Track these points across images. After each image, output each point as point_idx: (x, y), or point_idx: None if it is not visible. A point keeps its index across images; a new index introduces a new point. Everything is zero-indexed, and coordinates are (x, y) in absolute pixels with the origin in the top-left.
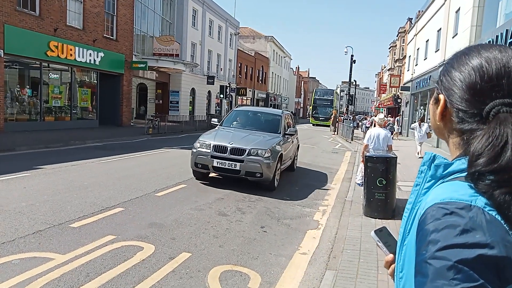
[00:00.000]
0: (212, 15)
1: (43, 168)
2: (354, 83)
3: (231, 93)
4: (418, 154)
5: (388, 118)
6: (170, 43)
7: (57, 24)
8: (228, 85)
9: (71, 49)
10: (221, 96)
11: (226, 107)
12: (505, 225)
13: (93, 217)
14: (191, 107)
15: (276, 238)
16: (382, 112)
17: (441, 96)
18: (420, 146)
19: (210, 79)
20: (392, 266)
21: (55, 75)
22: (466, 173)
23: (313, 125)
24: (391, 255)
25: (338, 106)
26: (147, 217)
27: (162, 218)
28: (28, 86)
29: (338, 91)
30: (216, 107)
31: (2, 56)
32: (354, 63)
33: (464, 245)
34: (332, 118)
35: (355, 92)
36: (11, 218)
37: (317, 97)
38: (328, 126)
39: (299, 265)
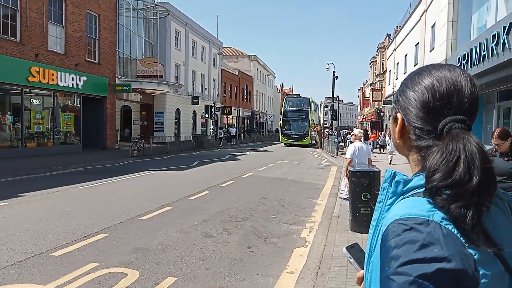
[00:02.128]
0: (195, 36)
1: (24, 196)
2: (337, 99)
3: (216, 113)
4: (390, 164)
5: (381, 134)
6: (153, 65)
7: (39, 49)
8: (213, 104)
9: (53, 74)
10: (206, 115)
11: (211, 126)
12: (461, 239)
13: (75, 245)
14: (176, 129)
15: (263, 258)
16: (357, 128)
17: (399, 115)
18: (391, 155)
19: (195, 99)
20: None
21: (37, 101)
22: (424, 188)
23: (285, 144)
24: (362, 271)
25: (316, 119)
26: (132, 242)
27: (147, 242)
28: (9, 113)
29: (318, 102)
30: (201, 127)
31: None
32: (336, 79)
33: (424, 260)
34: (317, 134)
35: (338, 107)
36: None
37: (288, 108)
38: (306, 145)
39: (287, 284)
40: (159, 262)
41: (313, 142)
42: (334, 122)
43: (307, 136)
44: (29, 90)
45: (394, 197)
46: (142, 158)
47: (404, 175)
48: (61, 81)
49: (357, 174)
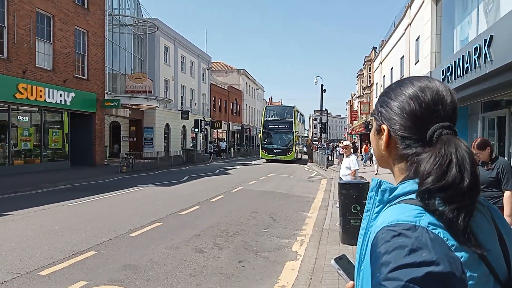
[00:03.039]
0: (184, 51)
1: (11, 214)
2: (326, 112)
3: (206, 127)
4: (376, 173)
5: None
6: (142, 80)
7: (26, 66)
8: (202, 119)
9: (40, 91)
10: (196, 130)
11: (201, 140)
12: (447, 242)
13: (63, 263)
14: (166, 144)
15: (254, 273)
16: (345, 140)
17: (384, 127)
18: (377, 165)
19: (184, 114)
20: None
21: (24, 118)
22: (410, 195)
23: (266, 160)
24: (351, 282)
25: (302, 130)
26: (121, 259)
27: (137, 259)
28: None
29: (307, 115)
30: (191, 142)
31: None
32: (325, 92)
33: (413, 264)
34: (307, 147)
35: (327, 120)
36: None
37: (269, 118)
38: (290, 161)
39: None
40: (149, 279)
41: (299, 156)
42: (323, 135)
43: (291, 150)
44: (16, 107)
45: (381, 205)
46: (132, 174)
47: (389, 184)
48: (49, 97)
49: (346, 186)
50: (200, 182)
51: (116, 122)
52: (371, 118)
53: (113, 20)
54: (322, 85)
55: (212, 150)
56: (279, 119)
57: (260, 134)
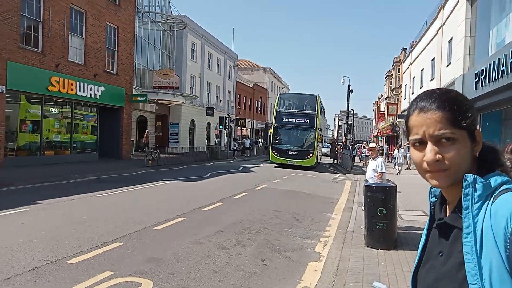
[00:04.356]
0: (211, 48)
1: (42, 203)
2: (352, 112)
3: (230, 124)
4: (399, 171)
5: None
6: (169, 76)
7: (59, 60)
8: (227, 116)
9: (72, 84)
10: (221, 127)
11: (225, 137)
12: None
13: (90, 253)
14: (190, 139)
15: (277, 272)
16: (371, 142)
17: (478, 132)
18: (400, 167)
19: (210, 111)
20: None
21: (56, 110)
22: (506, 186)
23: (278, 165)
24: None
25: (325, 128)
26: (146, 252)
27: (161, 252)
28: (29, 121)
29: (332, 116)
30: (215, 138)
31: (4, 92)
32: (351, 92)
33: None
34: (331, 148)
35: (353, 121)
36: (7, 255)
37: (283, 110)
38: (309, 167)
39: None
40: (173, 273)
41: (319, 161)
42: (349, 136)
43: (312, 153)
44: (49, 99)
45: (481, 200)
46: (157, 168)
47: (481, 179)
48: (79, 91)
49: (373, 189)
50: (224, 178)
51: (143, 117)
52: (398, 120)
53: (143, 17)
54: (349, 85)
55: (235, 147)
56: (296, 111)
57: (271, 130)
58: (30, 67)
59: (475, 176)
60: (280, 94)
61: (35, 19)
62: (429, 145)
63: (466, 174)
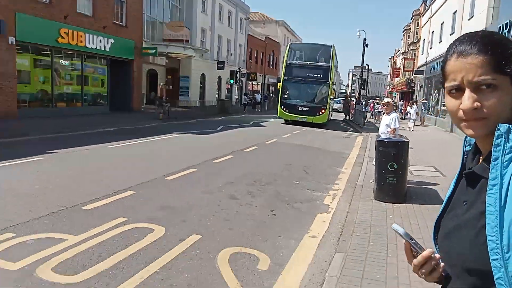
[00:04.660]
0: (222, 0)
1: (56, 153)
2: (367, 67)
3: (241, 78)
4: (409, 129)
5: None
6: (180, 29)
7: (68, 11)
8: (238, 70)
9: (81, 36)
10: (231, 81)
11: (236, 92)
12: None
13: (104, 200)
14: (201, 94)
15: (286, 221)
16: (386, 97)
17: None
18: (413, 123)
19: (220, 65)
20: (429, 263)
21: (66, 62)
22: None
23: (286, 121)
24: (430, 250)
25: (338, 82)
26: (158, 200)
27: (173, 201)
28: (39, 73)
29: (346, 71)
30: (226, 92)
31: (14, 43)
32: (367, 46)
33: None
34: (344, 103)
35: (367, 77)
36: (25, 200)
37: (293, 62)
38: (320, 125)
39: (309, 247)
40: (185, 220)
41: (330, 117)
42: (363, 92)
43: (324, 109)
44: (59, 51)
45: None
46: (168, 121)
47: None
48: (89, 43)
49: (385, 144)
50: (234, 132)
51: (153, 70)
52: (415, 76)
53: None
54: (364, 39)
55: (246, 102)
56: (308, 63)
57: (280, 84)
58: (39, 18)
59: (510, 126)
60: (291, 44)
61: None
62: (467, 92)
63: (499, 124)
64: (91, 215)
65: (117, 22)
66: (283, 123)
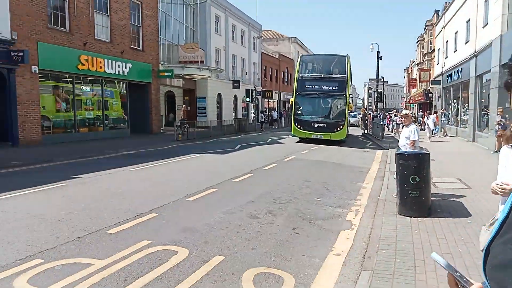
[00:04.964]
0: (235, 20)
1: (80, 178)
2: (382, 80)
3: (257, 96)
4: (428, 139)
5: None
6: (194, 50)
7: (86, 38)
8: (253, 88)
9: (100, 62)
10: (247, 99)
11: (252, 110)
12: None
13: (128, 223)
14: (218, 113)
15: (308, 240)
16: (403, 109)
17: None
18: (431, 133)
19: (236, 84)
20: None
21: (86, 88)
22: None
23: (301, 139)
24: (478, 285)
25: (354, 95)
26: (180, 222)
27: (195, 222)
28: (62, 100)
29: (361, 84)
30: (243, 111)
31: (37, 72)
32: (381, 59)
33: None
34: (362, 116)
35: (383, 89)
36: (52, 226)
37: (306, 75)
38: (338, 142)
39: (333, 266)
40: (207, 241)
41: (348, 133)
42: (379, 104)
43: (342, 125)
44: (79, 77)
45: None
46: (187, 142)
47: None
48: (108, 68)
49: (405, 157)
50: (252, 150)
51: (170, 92)
52: (431, 86)
53: None
54: (378, 52)
55: (263, 120)
56: (321, 75)
57: (292, 99)
58: (60, 46)
59: None
60: (302, 56)
61: None
62: None
63: None
64: (115, 238)
65: (134, 47)
66: (298, 142)
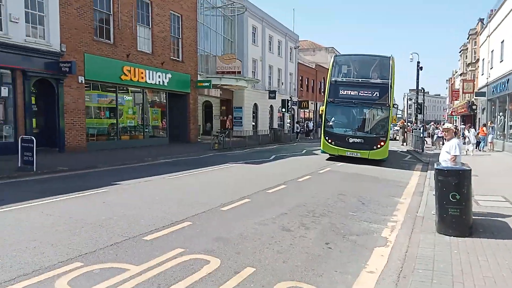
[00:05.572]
0: (272, 30)
1: (120, 184)
2: (422, 91)
3: (293, 107)
4: (471, 152)
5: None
6: (232, 61)
7: (129, 50)
8: (289, 98)
9: (142, 72)
10: (283, 110)
11: (288, 120)
12: None
13: (163, 231)
14: (254, 123)
15: (341, 255)
16: (446, 122)
17: None
18: (473, 146)
19: (272, 94)
20: None
21: (128, 97)
22: None
23: (331, 156)
24: None
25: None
26: (213, 231)
27: (228, 232)
28: (105, 109)
29: (401, 95)
30: (278, 121)
31: (83, 82)
32: (421, 69)
33: None
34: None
35: (423, 100)
36: (92, 231)
37: (339, 79)
38: (376, 161)
39: (366, 284)
40: (239, 252)
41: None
42: (419, 116)
43: (384, 140)
44: (122, 87)
45: None
46: (223, 151)
47: None
48: (149, 79)
49: (445, 173)
50: (287, 161)
51: (208, 102)
52: (475, 98)
53: (204, 3)
54: (418, 62)
55: (299, 130)
56: (359, 80)
57: (322, 108)
58: (104, 57)
59: None
60: (336, 56)
61: (106, 12)
62: None
63: None
64: (151, 245)
65: (174, 58)
66: (328, 159)
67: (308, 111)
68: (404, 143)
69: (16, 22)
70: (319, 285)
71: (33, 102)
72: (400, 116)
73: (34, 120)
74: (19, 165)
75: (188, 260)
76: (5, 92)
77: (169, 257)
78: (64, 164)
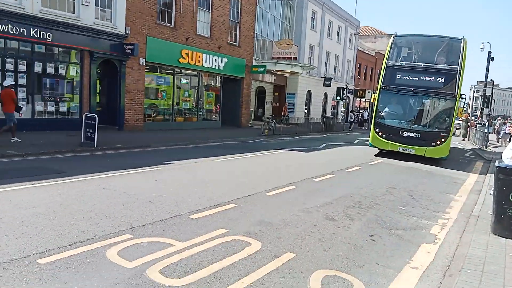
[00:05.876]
0: (332, 16)
1: (172, 164)
2: (491, 83)
3: (348, 95)
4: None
5: None
6: (288, 46)
7: (189, 33)
8: (345, 86)
9: (199, 56)
10: (338, 98)
11: (342, 109)
12: None
13: (209, 211)
14: (306, 110)
15: (385, 249)
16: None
17: None
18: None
19: (327, 81)
20: None
21: (185, 80)
22: None
23: (380, 150)
24: None
25: (462, 100)
26: (257, 215)
27: (271, 217)
28: (163, 90)
29: (467, 87)
30: (332, 109)
31: (144, 64)
32: (492, 60)
33: None
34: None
35: (492, 93)
36: (144, 206)
37: (397, 63)
38: (434, 159)
39: (409, 279)
40: (280, 237)
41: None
42: (486, 110)
43: (446, 137)
44: (180, 70)
45: None
46: (273, 137)
47: None
48: (206, 62)
49: (506, 171)
50: (337, 151)
51: (261, 87)
52: None
53: None
54: (489, 52)
55: (352, 120)
56: (422, 65)
57: (375, 96)
58: (165, 41)
59: None
60: (396, 36)
61: None
62: None
63: None
64: (196, 224)
65: (231, 42)
66: (376, 155)
67: (364, 100)
68: (466, 138)
69: (87, 5)
70: (359, 276)
71: (97, 82)
72: (465, 109)
73: (97, 98)
74: (82, 141)
75: (230, 240)
76: (73, 71)
77: (212, 236)
78: (122, 141)
